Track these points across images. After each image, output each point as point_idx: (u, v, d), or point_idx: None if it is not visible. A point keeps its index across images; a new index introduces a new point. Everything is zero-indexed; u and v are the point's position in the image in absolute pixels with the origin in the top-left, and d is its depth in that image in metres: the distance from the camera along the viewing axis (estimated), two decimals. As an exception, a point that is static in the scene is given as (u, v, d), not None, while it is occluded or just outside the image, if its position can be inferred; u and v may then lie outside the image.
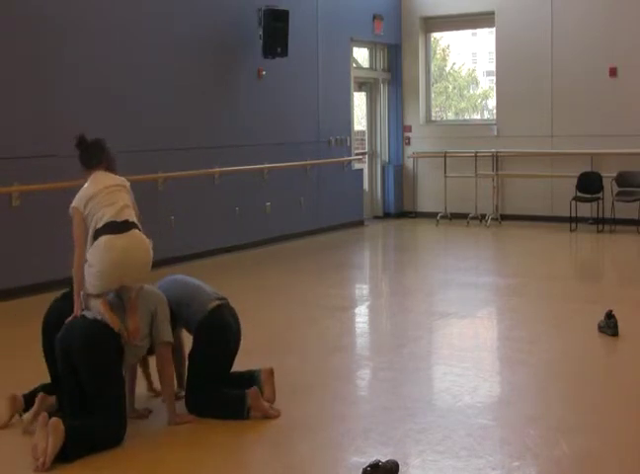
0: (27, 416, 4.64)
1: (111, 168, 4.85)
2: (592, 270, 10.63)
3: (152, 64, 9.75)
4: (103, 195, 4.64)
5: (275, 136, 11.56)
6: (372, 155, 14.60)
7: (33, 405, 4.65)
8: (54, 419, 4.19)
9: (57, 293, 4.99)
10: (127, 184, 4.86)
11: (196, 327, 4.84)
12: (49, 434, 4.14)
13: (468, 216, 13.56)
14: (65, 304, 4.74)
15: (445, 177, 13.85)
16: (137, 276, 4.65)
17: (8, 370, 5.87)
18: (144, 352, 4.75)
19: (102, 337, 4.45)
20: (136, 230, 4.67)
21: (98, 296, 4.55)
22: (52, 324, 4.70)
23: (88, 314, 4.52)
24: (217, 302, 4.91)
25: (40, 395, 4.65)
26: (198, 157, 10.25)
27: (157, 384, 5.14)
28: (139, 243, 4.66)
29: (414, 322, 7.34)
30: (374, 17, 13.79)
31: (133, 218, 4.69)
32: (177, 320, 4.89)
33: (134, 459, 4.32)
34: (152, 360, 5.00)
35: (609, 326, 6.41)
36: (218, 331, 4.85)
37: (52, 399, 4.65)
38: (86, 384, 4.43)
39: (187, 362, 4.96)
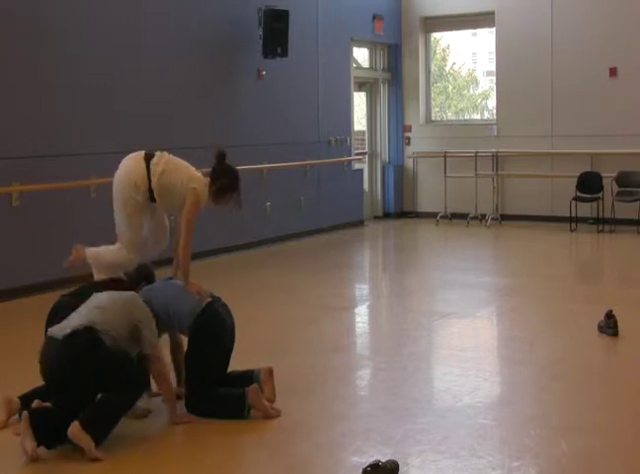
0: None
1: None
2: (592, 270, 10.63)
3: (152, 64, 9.75)
4: None
5: (275, 136, 11.56)
6: (372, 155, 14.59)
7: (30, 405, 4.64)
8: (74, 428, 4.17)
9: (56, 294, 4.99)
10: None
11: (190, 324, 4.83)
12: (77, 444, 4.18)
13: (468, 216, 13.56)
14: (72, 302, 4.75)
15: (445, 177, 13.85)
16: (115, 185, 5.14)
17: (8, 371, 5.87)
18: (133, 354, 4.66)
19: (78, 352, 4.31)
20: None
21: None
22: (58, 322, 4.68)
23: (58, 335, 4.36)
24: (209, 299, 4.92)
25: (36, 402, 4.63)
26: (198, 157, 10.19)
27: (155, 387, 5.16)
28: (130, 157, 5.18)
29: (414, 322, 7.33)
30: (374, 17, 13.79)
31: (156, 157, 5.17)
32: (171, 321, 4.91)
33: (134, 459, 4.32)
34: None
35: (609, 326, 6.41)
36: (213, 326, 4.85)
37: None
38: (80, 397, 4.36)
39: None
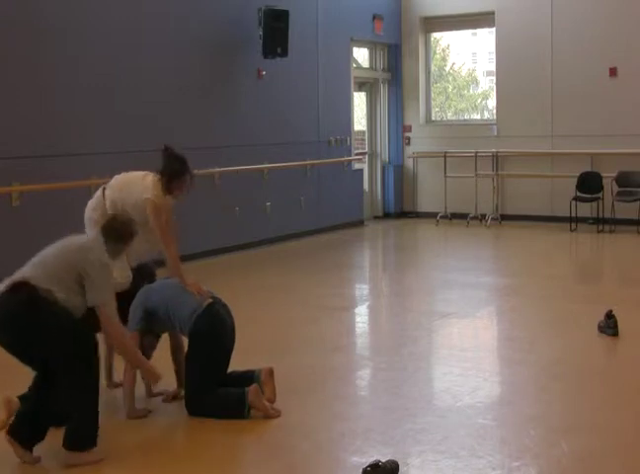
0: None
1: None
2: (592, 270, 10.63)
3: (152, 64, 9.75)
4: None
5: (275, 136, 11.56)
6: (372, 155, 14.59)
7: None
8: (63, 455, 4.17)
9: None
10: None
11: (191, 325, 4.84)
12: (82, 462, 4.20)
13: (468, 216, 13.56)
14: None
15: (445, 177, 13.85)
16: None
17: (8, 370, 5.86)
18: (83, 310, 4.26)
19: (16, 307, 4.05)
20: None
21: None
22: None
23: None
24: (210, 300, 4.93)
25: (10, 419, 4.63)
26: (198, 157, 10.20)
27: (155, 387, 5.16)
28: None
29: (414, 322, 7.33)
30: (374, 17, 13.79)
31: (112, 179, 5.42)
32: (172, 322, 4.91)
33: (133, 459, 4.33)
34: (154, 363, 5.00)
35: (609, 326, 6.41)
36: (213, 327, 4.85)
37: None
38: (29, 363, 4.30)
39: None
